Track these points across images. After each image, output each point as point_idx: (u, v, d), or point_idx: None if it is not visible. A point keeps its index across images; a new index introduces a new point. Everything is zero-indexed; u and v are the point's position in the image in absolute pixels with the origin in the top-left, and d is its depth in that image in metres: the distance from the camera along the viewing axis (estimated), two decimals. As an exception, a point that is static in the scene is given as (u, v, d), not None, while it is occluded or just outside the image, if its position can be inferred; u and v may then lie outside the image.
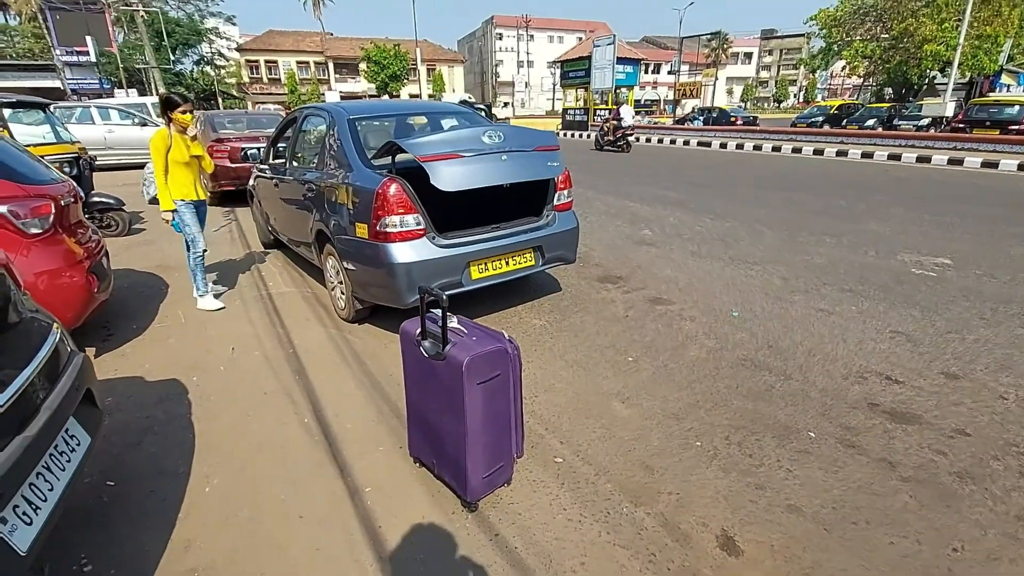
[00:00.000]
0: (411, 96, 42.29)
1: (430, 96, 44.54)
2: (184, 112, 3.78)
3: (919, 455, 2.31)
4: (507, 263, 3.57)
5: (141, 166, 13.38)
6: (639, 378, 3.00)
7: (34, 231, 2.98)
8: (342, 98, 34.63)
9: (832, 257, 5.11)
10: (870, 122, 22.80)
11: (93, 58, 30.31)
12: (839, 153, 14.17)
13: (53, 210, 3.09)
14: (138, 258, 5.72)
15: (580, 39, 51.21)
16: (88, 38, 29.47)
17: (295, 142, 4.56)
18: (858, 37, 26.84)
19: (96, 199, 6.60)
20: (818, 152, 14.69)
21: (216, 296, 4.30)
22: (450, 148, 3.09)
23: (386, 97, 38.56)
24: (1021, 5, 21.66)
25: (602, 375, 3.05)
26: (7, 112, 6.81)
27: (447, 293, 3.36)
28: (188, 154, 3.85)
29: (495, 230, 3.52)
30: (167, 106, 3.77)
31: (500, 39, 57.07)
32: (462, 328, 2.00)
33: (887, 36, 25.50)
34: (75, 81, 31.14)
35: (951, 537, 1.89)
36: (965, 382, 2.87)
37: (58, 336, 1.69)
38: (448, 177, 3.04)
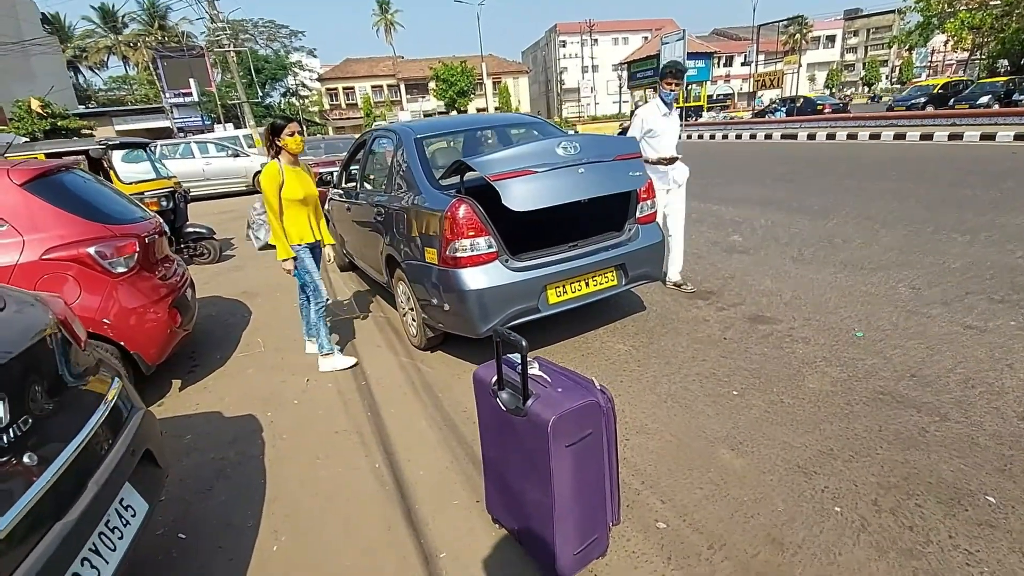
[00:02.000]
0: (478, 111, 43.04)
1: (496, 109, 45.08)
2: (292, 134, 3.20)
3: None
4: (587, 284, 3.24)
5: (236, 195, 14.45)
6: (749, 417, 2.56)
7: (120, 270, 3.05)
8: (414, 117, 35.82)
9: (970, 258, 4.31)
10: (984, 99, 20.08)
11: (195, 98, 33.42)
12: (952, 136, 12.51)
13: (138, 249, 3.16)
14: (226, 285, 5.96)
15: (646, 38, 49.89)
16: (191, 80, 32.56)
17: (365, 164, 4.51)
18: (963, 6, 23.89)
19: (190, 229, 7.02)
20: (926, 137, 13.07)
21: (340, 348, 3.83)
22: (521, 164, 2.82)
23: (454, 113, 39.46)
24: None
25: (703, 413, 2.63)
26: (119, 153, 7.42)
27: (524, 320, 3.14)
28: (304, 190, 3.31)
29: (572, 248, 3.21)
30: (273, 133, 3.22)
31: (564, 46, 56.83)
32: (544, 376, 1.71)
33: (999, 2, 22.49)
34: (181, 120, 34.48)
35: None
36: None
37: (116, 396, 1.58)
38: (521, 196, 2.78)
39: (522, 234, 3.58)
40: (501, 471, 1.82)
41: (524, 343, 1.57)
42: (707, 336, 3.47)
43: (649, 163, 3.95)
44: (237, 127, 26.05)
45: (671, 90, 4.04)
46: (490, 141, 4.36)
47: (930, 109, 20.18)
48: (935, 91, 23.02)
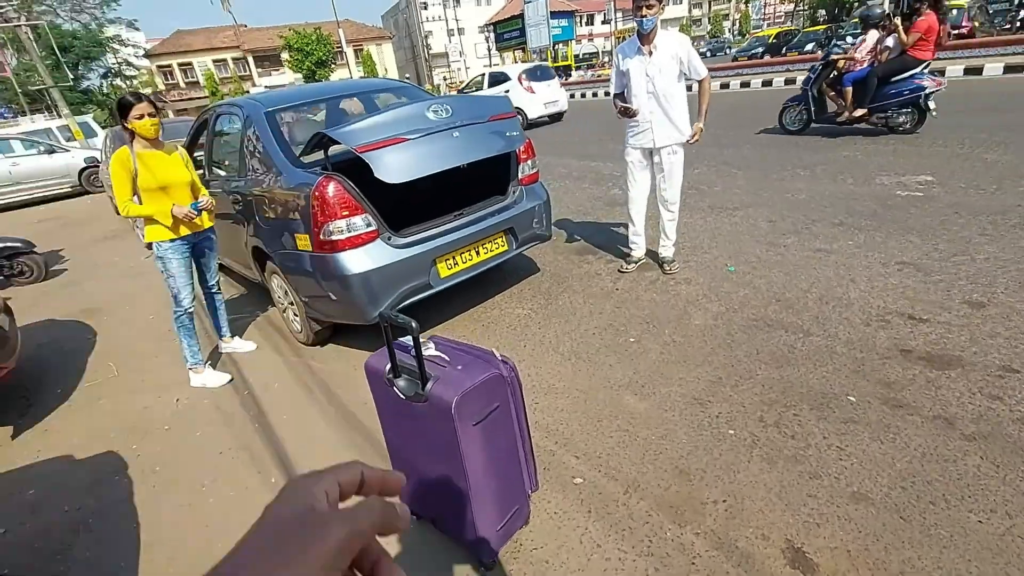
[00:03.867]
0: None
1: (363, 78, 42.49)
2: (140, 117, 2.66)
3: (973, 404, 2.06)
4: (478, 252, 3.15)
5: (58, 198, 12.26)
6: (647, 361, 2.67)
7: None
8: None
9: (812, 191, 4.86)
10: (809, 46, 22.82)
11: (-12, 85, 27.61)
12: (787, 81, 14.01)
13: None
14: (59, 305, 5.03)
15: (508, -1, 49.51)
16: (-25, 65, 26.70)
17: (211, 148, 3.96)
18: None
19: (0, 245, 5.81)
20: (767, 83, 14.53)
21: (227, 354, 3.47)
22: (391, 131, 2.61)
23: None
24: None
25: (606, 364, 2.70)
26: None
27: (417, 298, 2.99)
28: (164, 176, 2.80)
29: (458, 217, 3.08)
30: (121, 113, 2.69)
31: (425, 8, 54.70)
32: (442, 355, 1.60)
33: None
34: (-30, 115, 28.37)
35: (1042, 501, 1.64)
36: (992, 309, 2.64)
37: None
38: (394, 167, 2.58)
39: (401, 208, 3.38)
40: (409, 460, 1.71)
41: (414, 324, 1.44)
42: (600, 290, 3.57)
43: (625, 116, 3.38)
44: (50, 118, 22.00)
45: (647, 16, 3.06)
46: (353, 110, 4.02)
47: (767, 57, 22.44)
48: (770, 41, 25.62)
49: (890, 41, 6.06)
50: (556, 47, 25.14)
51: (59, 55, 26.91)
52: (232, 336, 3.51)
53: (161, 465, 2.47)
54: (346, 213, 2.67)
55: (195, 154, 4.37)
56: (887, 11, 6.76)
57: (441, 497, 1.65)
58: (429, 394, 1.48)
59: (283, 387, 3.00)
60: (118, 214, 3.67)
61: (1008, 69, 9.65)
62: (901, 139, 6.16)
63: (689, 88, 3.33)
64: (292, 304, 3.26)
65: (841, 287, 3.06)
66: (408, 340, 1.61)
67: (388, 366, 1.62)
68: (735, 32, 63.89)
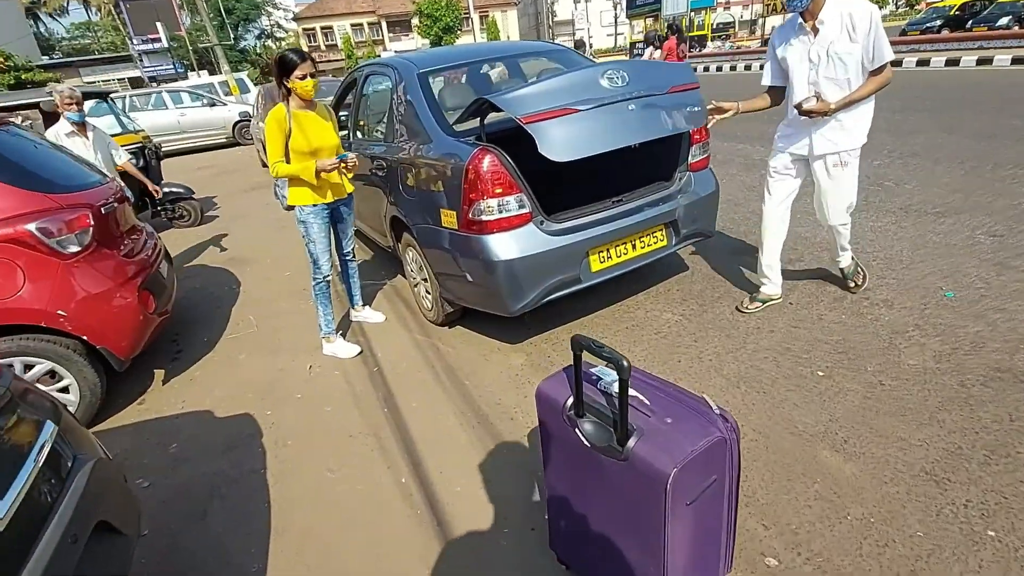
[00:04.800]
0: (465, 48, 40.53)
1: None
2: (304, 77, 2.55)
3: None
4: (634, 246, 2.74)
5: (216, 148, 13.51)
6: (847, 406, 2.13)
7: (72, 250, 2.51)
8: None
9: (1050, 199, 3.81)
10: (1004, 20, 18.83)
11: (165, 43, 31.18)
12: (980, 61, 11.64)
13: (92, 221, 2.61)
14: (210, 251, 5.40)
15: (643, -38, 46.71)
16: (158, 24, 30.22)
17: (357, 109, 3.87)
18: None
19: (166, 189, 6.36)
20: (952, 62, 12.18)
21: (360, 322, 3.41)
22: (561, 101, 2.25)
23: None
24: None
25: (788, 401, 2.21)
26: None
27: (564, 293, 2.66)
28: (316, 140, 2.70)
29: (617, 205, 2.68)
30: (281, 70, 2.57)
31: (554, -26, 53.18)
32: (642, 397, 1.24)
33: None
34: (152, 69, 32.29)
35: None
36: None
37: (45, 451, 1.11)
38: (562, 142, 2.22)
39: (553, 189, 3.03)
40: (578, 516, 1.40)
41: (626, 363, 1.09)
42: (767, 300, 3.00)
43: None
44: (212, 74, 24.44)
45: None
46: (508, 75, 3.70)
47: (946, 32, 18.97)
48: (951, 12, 21.61)
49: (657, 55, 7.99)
50: (692, 15, 23.15)
51: (224, 16, 29.67)
52: (363, 305, 3.43)
53: (293, 438, 2.41)
54: (500, 191, 2.38)
55: (340, 114, 4.36)
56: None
57: (618, 566, 1.33)
58: (632, 453, 1.13)
59: (411, 368, 2.85)
60: (264, 167, 3.71)
61: None
62: None
63: None
64: (426, 280, 3.08)
65: None
66: (600, 371, 1.28)
67: (569, 400, 1.30)
68: (900, 2, 55.02)
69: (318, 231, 2.86)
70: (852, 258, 2.95)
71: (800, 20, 2.44)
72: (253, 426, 2.53)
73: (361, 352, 3.04)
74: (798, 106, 2.45)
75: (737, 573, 1.54)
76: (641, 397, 1.24)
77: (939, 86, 9.30)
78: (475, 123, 2.60)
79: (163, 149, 10.94)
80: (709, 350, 2.64)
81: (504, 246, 2.42)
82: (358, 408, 2.57)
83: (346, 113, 4.09)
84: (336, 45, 45.43)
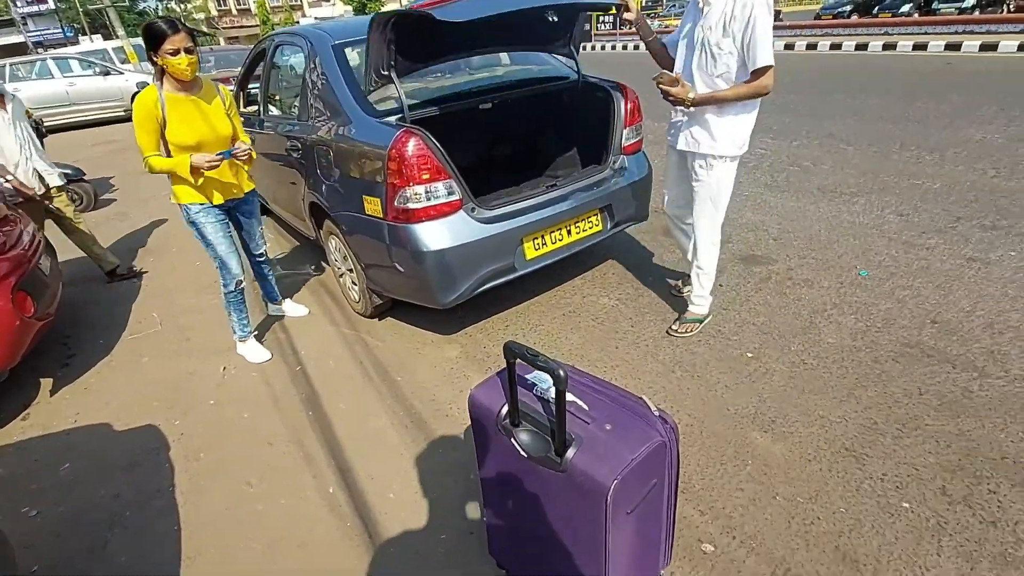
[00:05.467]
0: (394, 18, 38.78)
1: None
2: (175, 53, 2.11)
3: None
4: (569, 232, 2.68)
5: (112, 122, 12.17)
6: (772, 386, 2.20)
7: (-82, 247, 2.12)
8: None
9: (946, 179, 4.12)
10: (905, 7, 20.36)
11: (51, 5, 27.64)
12: (886, 46, 12.51)
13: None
14: (107, 238, 4.82)
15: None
16: (44, -17, 26.74)
17: (267, 82, 3.52)
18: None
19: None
20: (861, 47, 13.01)
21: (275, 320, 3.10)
22: None
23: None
24: None
25: (719, 384, 2.25)
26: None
27: (497, 283, 2.56)
28: (201, 130, 2.29)
29: (551, 189, 2.60)
30: (149, 42, 2.12)
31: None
32: (579, 402, 1.17)
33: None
34: (37, 33, 28.56)
35: None
36: None
37: None
38: (459, 7, 1.95)
39: (483, 174, 2.91)
40: (516, 524, 1.33)
41: (562, 373, 1.01)
42: (698, 282, 3.06)
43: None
44: (107, 39, 21.92)
45: None
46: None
47: (855, 17, 20.23)
48: (859, -2, 23.06)
49: None
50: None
51: (116, -27, 26.55)
52: (283, 300, 3.18)
53: (205, 451, 2.19)
54: (427, 177, 2.22)
55: (250, 86, 3.98)
56: None
57: (556, 572, 1.27)
58: (570, 465, 1.06)
59: (337, 365, 2.68)
60: None
61: None
62: (1048, 124, 5.23)
63: None
64: (351, 271, 2.89)
65: (1016, 312, 2.48)
66: (532, 376, 1.20)
67: (503, 408, 1.21)
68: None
69: (214, 232, 2.47)
70: (705, 306, 2.57)
71: None
72: (159, 439, 2.28)
73: (271, 358, 2.78)
74: (655, 79, 2.17)
75: (676, 563, 1.54)
76: (579, 402, 1.17)
77: (851, 69, 9.90)
78: (391, 93, 2.40)
79: (49, 123, 9.74)
80: (646, 335, 2.65)
81: (433, 236, 2.27)
82: (279, 412, 2.38)
83: (256, 87, 3.73)
84: (249, 9, 42.12)
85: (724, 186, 2.33)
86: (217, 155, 2.28)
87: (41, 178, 3.44)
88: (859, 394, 2.11)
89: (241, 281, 2.63)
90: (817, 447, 1.89)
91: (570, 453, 1.07)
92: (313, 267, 3.78)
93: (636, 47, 18.91)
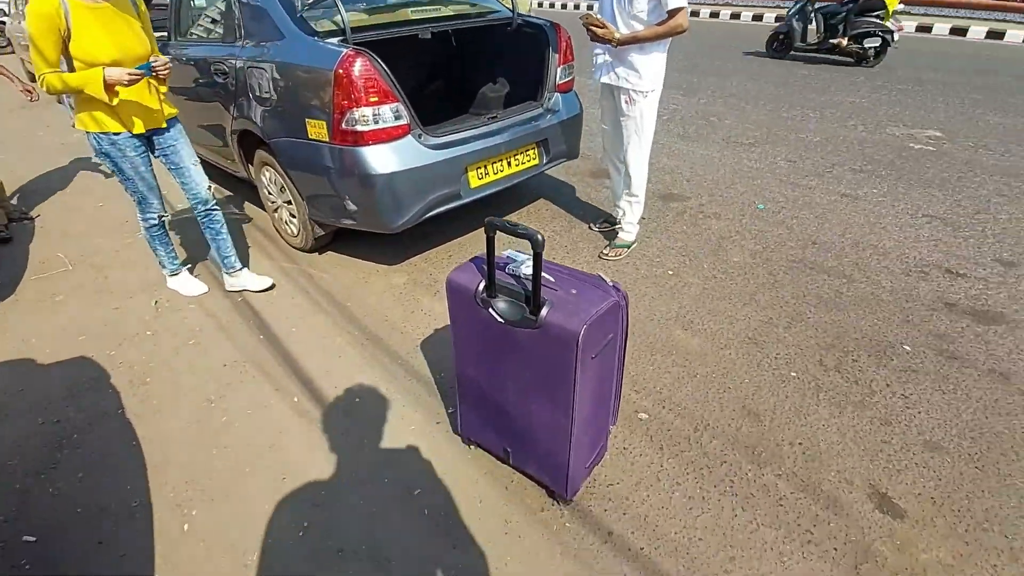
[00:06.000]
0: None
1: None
2: None
3: None
4: (509, 164, 2.83)
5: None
6: (690, 295, 2.55)
7: None
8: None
9: (825, 134, 4.74)
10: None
11: None
12: (778, 19, 13.58)
13: None
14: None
15: None
16: None
17: (179, 4, 3.26)
18: None
19: None
20: (756, 17, 14.02)
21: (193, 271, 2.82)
22: None
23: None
24: None
25: (648, 295, 2.56)
26: None
27: (443, 209, 2.67)
28: (113, 50, 2.01)
29: (492, 121, 2.72)
30: None
31: None
32: (546, 275, 1.36)
33: None
34: None
35: (1103, 456, 1.69)
36: (1023, 268, 2.68)
37: None
38: None
39: (422, 105, 2.95)
40: (489, 392, 1.51)
41: (540, 236, 1.19)
42: (623, 216, 3.36)
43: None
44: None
45: None
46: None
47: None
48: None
49: None
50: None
51: None
52: (240, 268, 2.67)
53: (151, 376, 2.15)
54: (375, 100, 2.26)
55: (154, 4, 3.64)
56: None
57: (525, 432, 1.48)
58: (544, 321, 1.25)
59: (282, 295, 2.67)
60: (32, 81, 2.86)
61: (991, 35, 9.72)
62: (904, 91, 6.09)
63: None
64: (289, 203, 2.84)
65: (875, 235, 3.01)
66: (504, 255, 1.37)
67: (480, 284, 1.37)
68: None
69: (132, 167, 2.24)
70: (631, 233, 2.86)
71: None
72: (96, 369, 2.19)
73: (208, 291, 2.69)
74: (583, 19, 2.39)
75: (619, 430, 1.81)
76: (548, 276, 1.36)
77: (747, 37, 10.68)
78: (328, 15, 2.39)
79: None
80: (580, 260, 2.90)
81: (383, 159, 2.33)
82: (229, 339, 2.36)
83: (162, 7, 3.43)
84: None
85: (648, 119, 2.59)
86: (137, 69, 2.03)
87: None
88: (758, 298, 2.50)
89: (164, 215, 2.49)
90: (726, 338, 2.25)
91: (544, 312, 1.26)
92: (234, 208, 3.62)
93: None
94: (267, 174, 2.91)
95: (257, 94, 2.61)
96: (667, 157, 4.29)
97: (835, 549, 1.45)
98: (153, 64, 2.07)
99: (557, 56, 2.98)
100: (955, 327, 2.27)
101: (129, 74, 2.00)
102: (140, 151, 2.26)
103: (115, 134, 2.15)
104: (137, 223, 2.51)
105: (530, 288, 1.28)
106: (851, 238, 2.98)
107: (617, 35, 2.39)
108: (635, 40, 2.38)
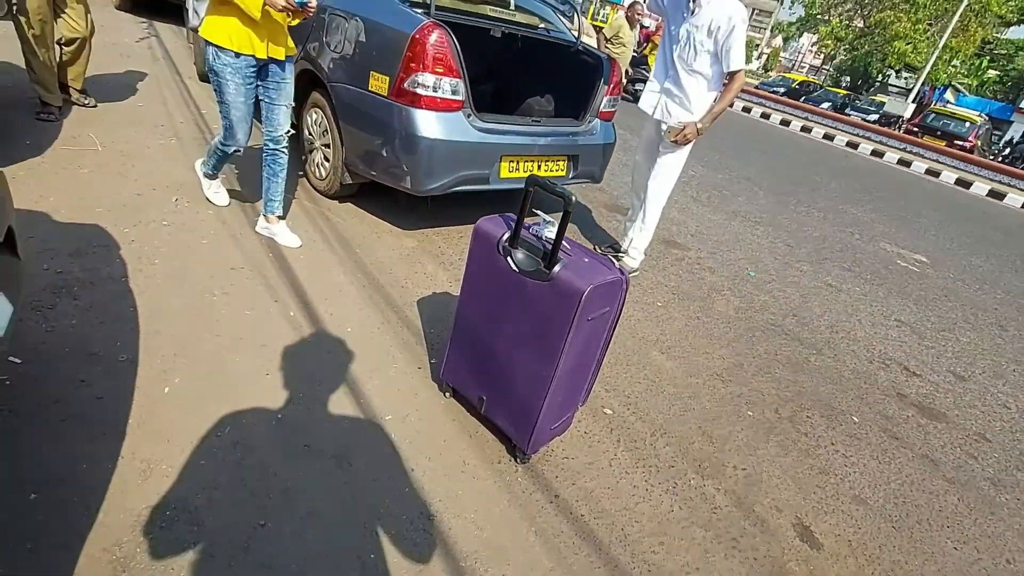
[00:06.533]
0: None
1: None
2: None
3: (954, 455, 2.27)
4: (539, 167, 3.01)
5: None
6: (673, 327, 2.71)
7: None
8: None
9: (824, 232, 5.06)
10: (825, 105, 23.38)
11: None
12: (803, 128, 14.38)
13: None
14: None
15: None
16: None
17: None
18: (836, 17, 26.87)
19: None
20: (784, 123, 14.81)
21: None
22: None
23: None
24: (987, 27, 22.62)
25: (634, 317, 2.71)
26: None
27: (469, 188, 2.82)
28: None
29: (536, 124, 2.92)
30: None
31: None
32: (565, 244, 1.51)
33: (862, 24, 25.77)
34: None
35: (1003, 547, 1.85)
36: (971, 384, 2.90)
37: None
38: None
39: (478, 93, 3.14)
40: (483, 337, 1.63)
41: (573, 198, 1.34)
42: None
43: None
44: None
45: None
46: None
47: (785, 98, 22.87)
48: (793, 85, 26.04)
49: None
50: (599, 4, 24.07)
51: None
52: (279, 217, 2.59)
53: (160, 259, 2.22)
54: (440, 71, 2.44)
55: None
56: None
57: (504, 380, 1.60)
58: (556, 276, 1.39)
59: (296, 226, 2.75)
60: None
61: (991, 193, 10.42)
62: (900, 218, 6.51)
63: None
64: (327, 147, 2.98)
65: (849, 323, 3.23)
66: (543, 219, 1.52)
67: (506, 235, 1.51)
68: (761, 66, 63.91)
69: (235, 93, 2.21)
70: (637, 260, 3.05)
71: None
72: (107, 239, 2.25)
73: (229, 204, 2.77)
74: (667, 133, 2.74)
75: (584, 417, 1.93)
76: (565, 244, 1.51)
77: (771, 137, 11.29)
78: None
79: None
80: (578, 272, 3.06)
81: (432, 124, 2.49)
82: (239, 247, 2.45)
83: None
84: None
85: (680, 159, 2.85)
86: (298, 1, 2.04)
87: None
88: (734, 345, 2.68)
89: (241, 150, 2.46)
90: (697, 369, 2.40)
91: (557, 268, 1.41)
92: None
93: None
94: (314, 115, 3.05)
95: (331, 39, 2.78)
96: (678, 211, 4.53)
97: (755, 559, 1.57)
98: (308, 1, 2.09)
99: (607, 87, 3.21)
100: (902, 414, 2.46)
101: (287, 1, 2.03)
102: (250, 79, 2.23)
103: (236, 55, 2.13)
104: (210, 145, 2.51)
105: (549, 247, 1.42)
106: (827, 320, 3.20)
107: (699, 124, 2.68)
108: (713, 118, 2.69)
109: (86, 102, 3.52)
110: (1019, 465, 2.32)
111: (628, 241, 3.10)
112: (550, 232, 1.52)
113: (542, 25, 3.39)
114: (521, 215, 1.46)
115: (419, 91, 2.44)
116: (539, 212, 1.58)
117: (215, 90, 2.27)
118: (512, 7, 3.39)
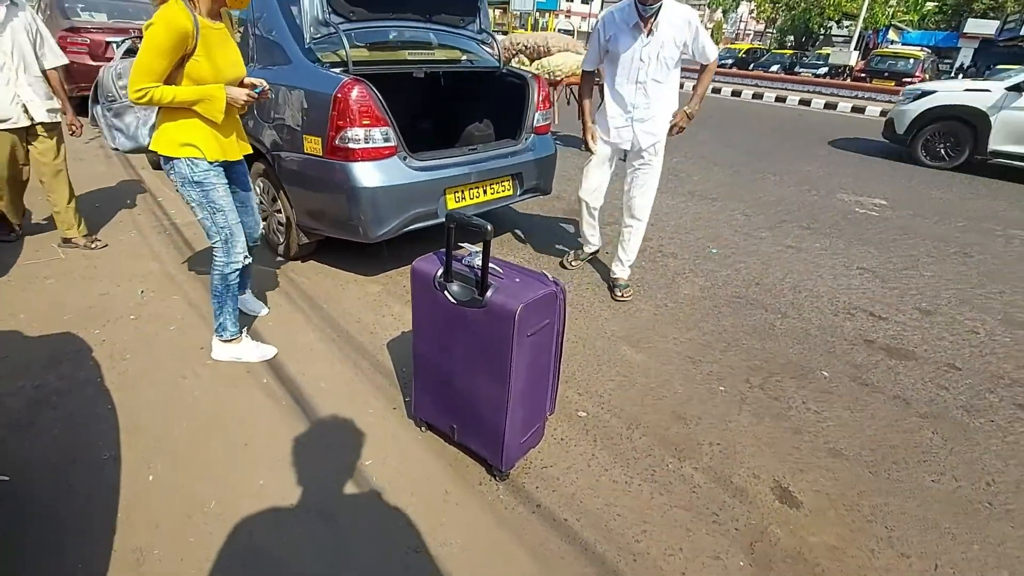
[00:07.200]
0: None
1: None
2: None
3: (926, 391, 2.34)
4: (485, 192, 3.11)
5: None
6: (641, 319, 2.79)
7: None
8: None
9: (780, 195, 5.18)
10: (774, 67, 23.81)
11: None
12: (755, 96, 14.66)
13: None
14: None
15: (495, -44, 47.58)
16: None
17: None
18: (768, -20, 27.57)
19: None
20: (735, 94, 15.10)
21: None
22: None
23: None
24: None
25: (602, 316, 2.79)
26: None
27: (419, 226, 2.91)
28: (226, 71, 1.92)
29: (472, 152, 3.02)
30: None
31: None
32: (497, 268, 1.59)
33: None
34: None
35: (981, 471, 1.91)
36: (938, 317, 2.98)
37: None
38: None
39: (410, 136, 3.26)
40: (440, 369, 1.70)
41: (489, 227, 1.43)
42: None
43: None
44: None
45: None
46: None
47: (734, 69, 23.28)
48: (740, 55, 26.53)
49: None
50: (538, 15, 24.56)
51: None
52: (246, 290, 2.58)
53: (131, 353, 2.29)
54: (367, 123, 2.54)
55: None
56: None
57: (469, 407, 1.67)
58: (489, 301, 1.47)
59: (261, 293, 2.84)
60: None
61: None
62: (857, 165, 6.67)
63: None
64: (279, 212, 3.07)
65: (811, 281, 3.32)
66: (467, 249, 1.60)
67: (440, 271, 1.59)
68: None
69: (225, 196, 2.03)
70: (629, 268, 3.05)
71: (636, 16, 2.54)
72: (79, 343, 2.33)
73: (276, 353, 2.34)
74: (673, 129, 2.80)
75: (558, 423, 2.00)
76: (497, 268, 1.59)
77: (723, 110, 11.50)
78: (333, 50, 2.71)
79: None
80: (543, 284, 3.14)
81: (369, 174, 2.59)
82: (208, 327, 2.51)
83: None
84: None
85: (660, 159, 2.88)
86: (252, 90, 1.97)
87: (25, 109, 2.88)
88: (701, 325, 2.75)
89: (250, 259, 2.24)
90: (668, 356, 2.48)
91: (489, 293, 1.49)
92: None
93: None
94: (260, 184, 3.15)
95: (262, 111, 2.89)
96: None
97: (736, 529, 1.63)
98: (263, 88, 2.04)
99: (536, 103, 3.33)
100: (871, 360, 2.53)
101: (246, 95, 1.93)
102: (224, 181, 2.06)
103: (211, 162, 1.96)
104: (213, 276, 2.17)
105: (480, 275, 1.51)
106: (790, 282, 3.29)
107: (688, 110, 2.80)
108: (700, 100, 2.83)
109: (92, 245, 3.23)
110: (990, 387, 2.39)
111: (620, 269, 3.06)
112: (479, 259, 1.60)
113: (464, 57, 3.51)
114: (448, 250, 1.55)
115: (351, 145, 2.54)
116: (464, 244, 1.66)
117: (200, 204, 2.02)
118: (434, 46, 3.52)
